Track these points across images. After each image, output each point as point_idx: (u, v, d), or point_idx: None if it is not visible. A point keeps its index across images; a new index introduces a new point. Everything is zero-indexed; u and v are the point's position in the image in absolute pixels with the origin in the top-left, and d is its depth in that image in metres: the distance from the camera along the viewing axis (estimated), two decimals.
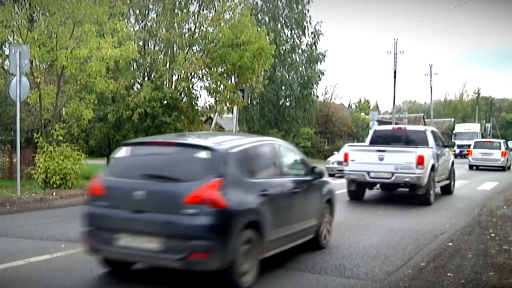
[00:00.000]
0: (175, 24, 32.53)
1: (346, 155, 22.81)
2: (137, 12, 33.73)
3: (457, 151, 69.71)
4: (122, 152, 10.27)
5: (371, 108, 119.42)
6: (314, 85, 63.34)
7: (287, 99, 63.16)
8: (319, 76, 63.36)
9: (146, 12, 33.93)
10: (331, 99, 73.92)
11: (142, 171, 9.51)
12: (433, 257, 11.83)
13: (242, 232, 9.13)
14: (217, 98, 33.74)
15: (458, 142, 77.39)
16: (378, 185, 23.47)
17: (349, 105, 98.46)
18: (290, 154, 12.22)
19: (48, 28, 25.95)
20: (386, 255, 11.97)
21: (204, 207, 8.65)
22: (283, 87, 61.55)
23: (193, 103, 33.81)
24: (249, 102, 52.45)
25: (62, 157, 24.39)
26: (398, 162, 21.34)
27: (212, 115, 45.97)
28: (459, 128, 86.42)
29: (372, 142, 24.48)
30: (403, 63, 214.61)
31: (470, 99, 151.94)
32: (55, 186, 24.04)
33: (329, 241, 12.88)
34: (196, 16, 33.11)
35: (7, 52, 25.02)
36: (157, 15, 33.66)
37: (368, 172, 21.94)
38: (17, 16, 25.81)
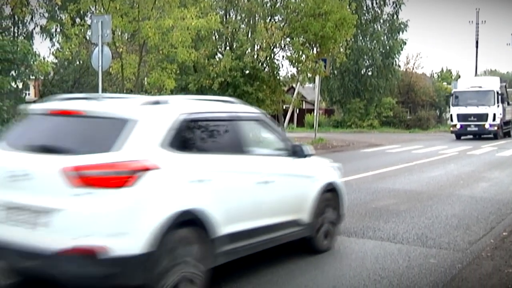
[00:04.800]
0: None
1: None
2: None
3: (458, 126, 44.42)
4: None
5: (452, 77, 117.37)
6: (396, 55, 62.94)
7: (369, 69, 62.86)
8: (400, 46, 62.79)
9: None
10: (413, 68, 72.76)
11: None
12: None
13: None
14: (299, 68, 33.49)
15: (459, 110, 44.80)
16: None
17: (431, 74, 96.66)
18: None
19: None
20: (468, 224, 11.76)
21: None
22: (364, 57, 61.18)
23: (275, 73, 33.69)
24: (330, 72, 52.06)
25: None
26: None
27: (294, 85, 45.70)
28: (462, 85, 48.16)
29: None
30: (485, 33, 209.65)
31: None
32: None
33: None
34: None
35: (89, 22, 25.15)
36: None
37: None
38: None
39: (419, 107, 68.16)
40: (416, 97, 69.23)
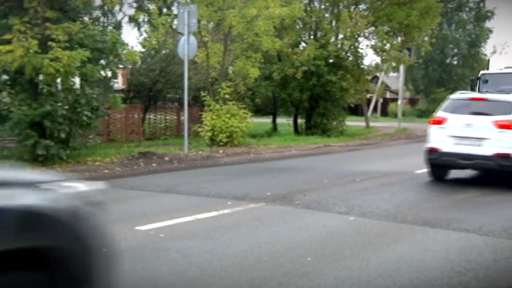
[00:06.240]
0: None
1: None
2: None
3: None
4: None
5: None
6: (482, 44, 61.72)
7: (454, 58, 61.95)
8: (487, 34, 61.60)
9: None
10: None
11: None
12: None
13: None
14: (383, 57, 33.30)
15: None
16: None
17: None
18: None
19: None
20: None
21: None
22: (449, 46, 60.32)
23: (359, 62, 33.55)
24: (414, 61, 51.58)
25: (228, 115, 24.70)
26: None
27: (378, 74, 45.46)
28: (496, 65, 38.31)
29: None
30: None
31: None
32: (221, 144, 24.41)
33: None
34: None
35: (175, 12, 25.49)
36: None
37: None
38: None
39: None
40: None
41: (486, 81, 32.14)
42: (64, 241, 4.29)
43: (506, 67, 32.97)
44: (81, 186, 4.76)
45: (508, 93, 31.31)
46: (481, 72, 33.69)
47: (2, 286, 3.96)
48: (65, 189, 4.53)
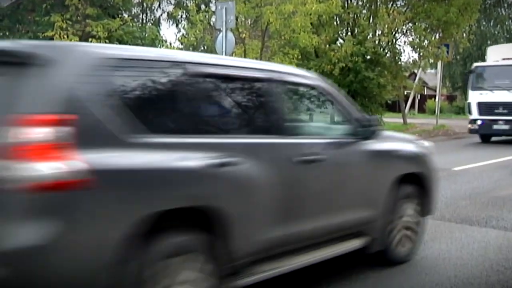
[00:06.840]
0: None
1: None
2: None
3: (479, 122, 27.73)
4: None
5: None
6: None
7: None
8: None
9: None
10: None
11: None
12: None
13: None
14: (421, 54, 33.21)
15: (481, 96, 28.11)
16: None
17: None
18: None
19: None
20: None
21: None
22: (488, 42, 59.81)
23: (396, 58, 33.45)
24: (452, 57, 51.29)
25: None
26: None
27: (415, 71, 45.24)
28: (493, 54, 31.33)
29: None
30: None
31: None
32: None
33: None
34: None
35: (213, 9, 25.65)
36: None
37: None
38: None
39: None
40: None
41: (479, 76, 28.90)
42: (425, 170, 8.26)
43: (504, 59, 28.94)
44: (426, 143, 8.88)
45: (505, 89, 27.03)
46: (475, 64, 30.68)
47: None
48: (422, 144, 8.64)
